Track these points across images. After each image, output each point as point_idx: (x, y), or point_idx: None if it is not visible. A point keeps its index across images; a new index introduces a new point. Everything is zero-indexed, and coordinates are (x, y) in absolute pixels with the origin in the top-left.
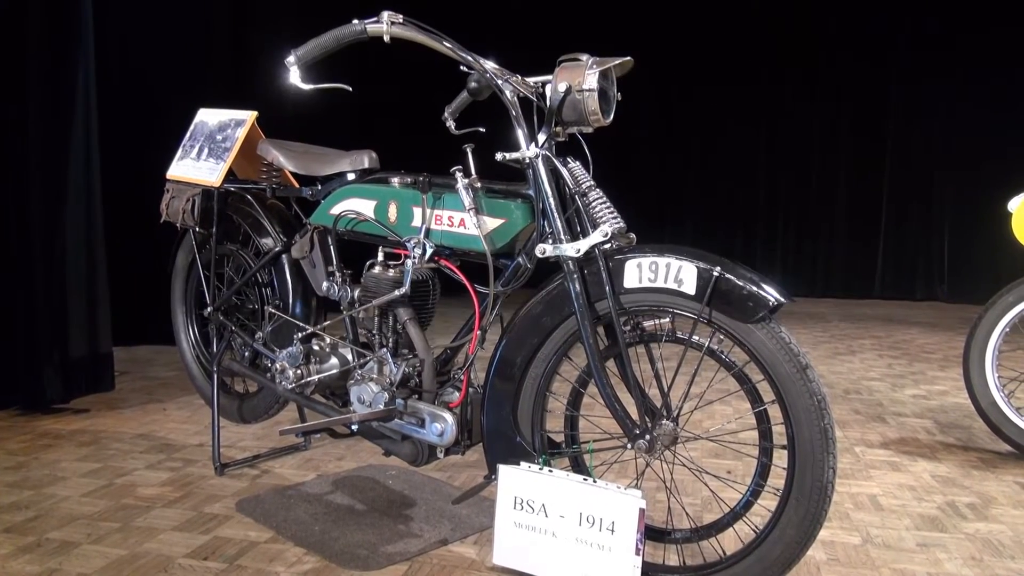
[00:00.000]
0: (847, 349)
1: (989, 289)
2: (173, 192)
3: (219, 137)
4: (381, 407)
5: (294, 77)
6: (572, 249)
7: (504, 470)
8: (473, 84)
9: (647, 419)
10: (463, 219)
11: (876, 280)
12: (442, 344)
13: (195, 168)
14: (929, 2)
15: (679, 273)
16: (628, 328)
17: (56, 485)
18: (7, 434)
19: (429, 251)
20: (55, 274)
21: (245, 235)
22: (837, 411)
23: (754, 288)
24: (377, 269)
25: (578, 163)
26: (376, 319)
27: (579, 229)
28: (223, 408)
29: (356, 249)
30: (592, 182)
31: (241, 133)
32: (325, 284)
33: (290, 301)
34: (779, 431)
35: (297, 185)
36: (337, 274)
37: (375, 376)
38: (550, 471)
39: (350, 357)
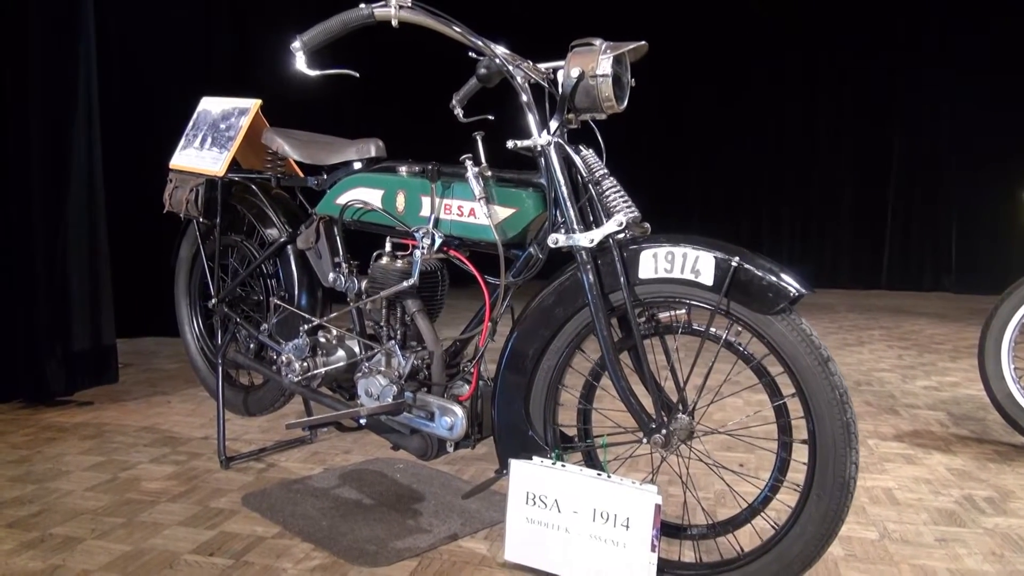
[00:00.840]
0: (856, 340)
1: (997, 280)
2: (176, 182)
3: (222, 126)
4: (389, 400)
5: (300, 63)
6: (585, 239)
7: (516, 465)
8: (483, 70)
9: (663, 413)
10: (473, 208)
11: (883, 270)
12: (451, 336)
13: (198, 157)
14: None
15: (696, 263)
16: (642, 320)
17: (60, 479)
18: (10, 427)
19: (438, 241)
20: (57, 265)
21: (249, 225)
22: None
23: (774, 279)
24: (385, 260)
25: (591, 151)
26: (384, 311)
27: (592, 219)
28: (228, 401)
29: (363, 240)
30: (606, 170)
31: (245, 122)
32: (332, 275)
33: (296, 292)
34: (797, 425)
35: (302, 174)
36: (344, 265)
37: (383, 369)
38: (563, 466)
39: (357, 349)
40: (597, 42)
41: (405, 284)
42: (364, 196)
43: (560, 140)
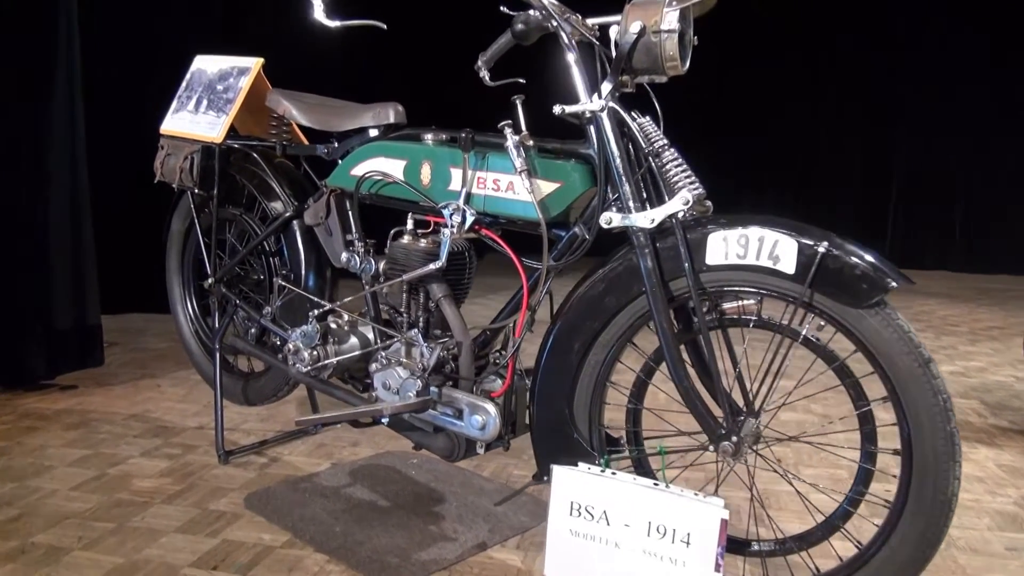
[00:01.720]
0: None
1: (1003, 258)
2: (168, 149)
3: (220, 87)
4: (411, 395)
5: (318, 12)
6: (644, 219)
7: (559, 472)
8: (520, 25)
9: (732, 417)
10: (512, 182)
11: (885, 248)
12: (479, 326)
13: (193, 122)
14: None
15: (775, 248)
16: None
17: (41, 476)
18: None
19: (470, 219)
20: (37, 239)
21: (249, 198)
22: None
23: (868, 267)
24: (406, 239)
25: (647, 118)
26: (404, 295)
27: (645, 196)
28: (226, 389)
29: (375, 216)
30: (665, 140)
31: (245, 83)
32: (344, 255)
33: (302, 273)
34: (883, 432)
35: (306, 142)
36: (358, 243)
37: (403, 360)
38: (613, 473)
39: (373, 338)
40: None
41: (432, 267)
42: (384, 167)
43: (615, 105)
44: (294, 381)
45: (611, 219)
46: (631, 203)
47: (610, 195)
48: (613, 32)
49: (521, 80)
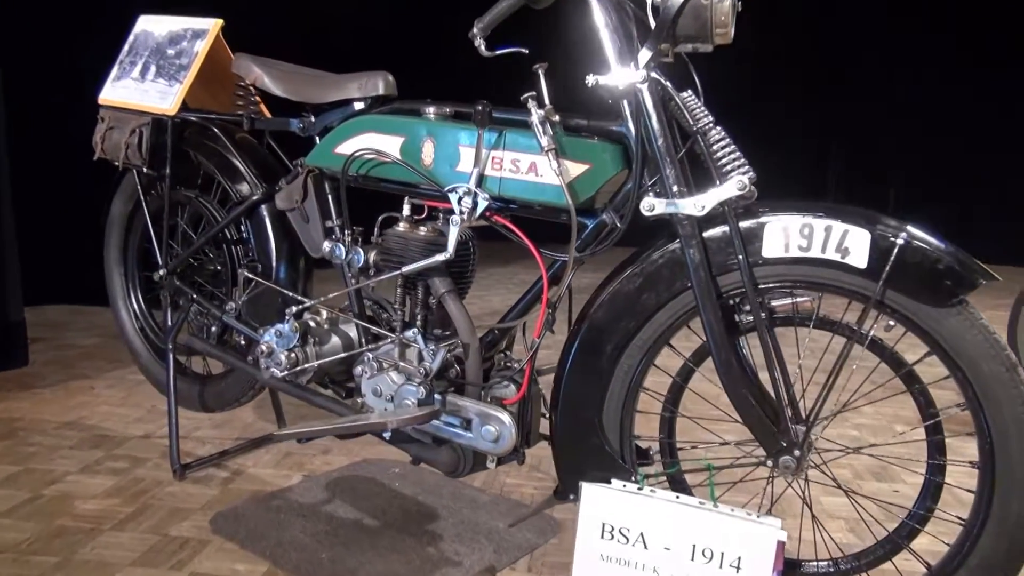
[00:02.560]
0: None
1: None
2: (111, 121)
3: (171, 52)
4: (409, 403)
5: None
6: (693, 206)
7: (590, 490)
8: None
9: (792, 429)
10: (534, 163)
11: None
12: (486, 325)
13: (140, 91)
14: None
15: (844, 239)
16: (749, 308)
17: None
18: None
19: (482, 204)
20: None
21: (206, 178)
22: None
23: (952, 261)
24: (403, 226)
25: (689, 92)
26: (399, 290)
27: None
28: (181, 394)
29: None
30: (711, 118)
31: (202, 47)
32: (326, 244)
33: (272, 264)
34: (953, 443)
35: (269, 115)
36: (341, 232)
37: (399, 363)
38: (652, 491)
39: (360, 338)
40: None
41: (439, 258)
42: (376, 144)
43: (657, 76)
44: (261, 385)
45: (653, 205)
46: (675, 187)
47: (645, 179)
48: None
49: (524, 50)
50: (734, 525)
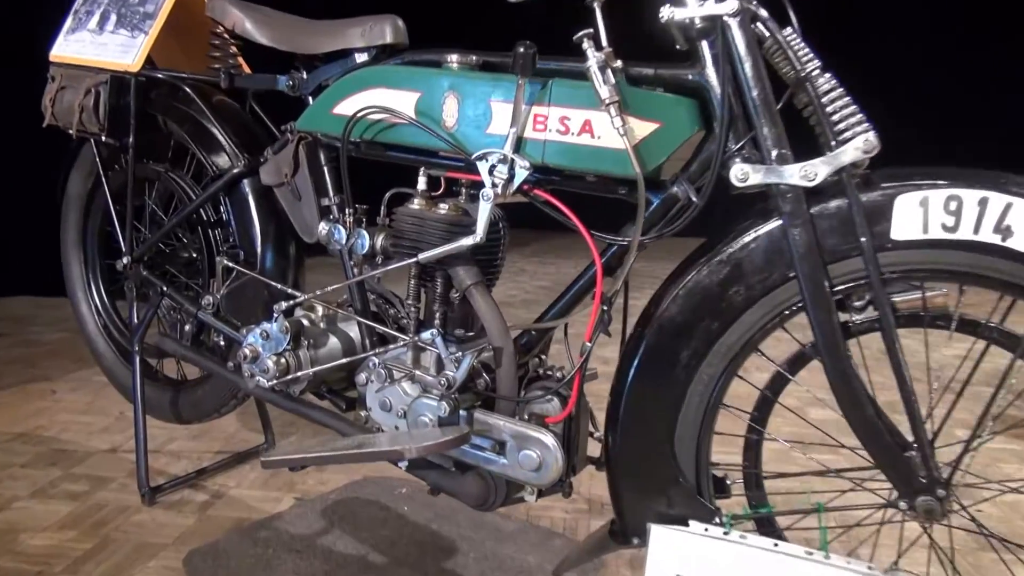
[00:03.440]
0: None
1: None
2: (63, 81)
3: (133, 0)
4: (428, 419)
5: None
6: (799, 175)
7: (663, 535)
8: None
9: (933, 464)
10: (588, 121)
11: None
12: (520, 325)
13: (97, 45)
14: None
15: (1005, 216)
16: (862, 303)
17: None
18: None
19: (521, 175)
20: None
21: (177, 149)
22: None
23: None
24: (418, 204)
25: (789, 29)
26: (412, 283)
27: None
28: (149, 402)
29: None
30: (819, 63)
31: None
32: (323, 226)
33: (257, 250)
34: None
35: (250, 71)
36: (340, 212)
37: (414, 371)
38: (742, 536)
39: (363, 340)
40: None
41: (466, 242)
42: (386, 101)
43: (752, 7)
44: (245, 395)
45: (747, 174)
46: (775, 151)
47: (731, 143)
48: None
49: None
50: None
